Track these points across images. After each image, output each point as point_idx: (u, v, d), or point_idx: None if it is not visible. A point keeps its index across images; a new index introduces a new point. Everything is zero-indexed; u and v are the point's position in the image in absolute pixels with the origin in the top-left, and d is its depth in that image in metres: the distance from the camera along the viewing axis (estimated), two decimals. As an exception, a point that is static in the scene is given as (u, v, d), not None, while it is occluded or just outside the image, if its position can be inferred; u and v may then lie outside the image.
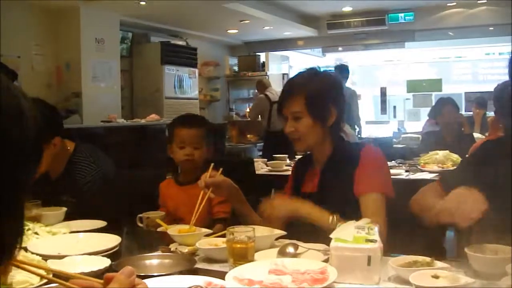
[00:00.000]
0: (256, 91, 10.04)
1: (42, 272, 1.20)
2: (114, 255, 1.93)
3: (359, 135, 8.50)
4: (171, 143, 2.99)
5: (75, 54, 7.88)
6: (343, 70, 8.92)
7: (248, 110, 11.71)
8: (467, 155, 4.21)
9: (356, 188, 2.26)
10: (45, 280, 1.47)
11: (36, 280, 1.53)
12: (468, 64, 14.06)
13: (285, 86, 2.51)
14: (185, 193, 2.82)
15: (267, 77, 11.98)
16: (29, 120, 0.88)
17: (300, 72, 2.56)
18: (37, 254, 1.80)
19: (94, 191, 2.94)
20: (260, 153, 8.85)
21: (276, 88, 9.35)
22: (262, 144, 8.95)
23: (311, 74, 2.46)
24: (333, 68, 12.07)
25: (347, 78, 8.89)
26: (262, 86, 9.52)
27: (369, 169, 2.30)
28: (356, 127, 8.60)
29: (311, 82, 2.41)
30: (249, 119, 10.16)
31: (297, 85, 2.43)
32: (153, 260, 1.88)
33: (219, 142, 8.75)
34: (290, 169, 4.77)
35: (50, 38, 7.88)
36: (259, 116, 9.27)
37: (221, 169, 2.50)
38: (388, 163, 5.05)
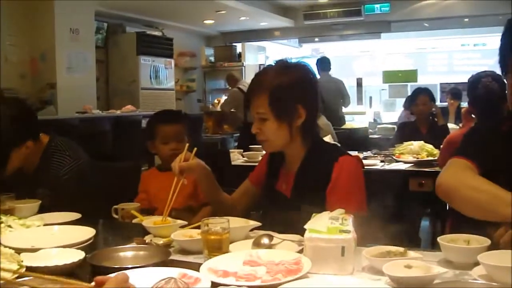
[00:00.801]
0: (228, 86, 10.08)
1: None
2: (88, 247, 1.92)
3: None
4: (153, 140, 3.04)
5: (49, 44, 7.76)
6: (324, 62, 8.93)
7: (216, 101, 11.70)
8: (441, 146, 4.27)
9: (328, 206, 2.09)
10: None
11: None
12: (444, 55, 14.16)
13: (251, 83, 2.36)
14: (167, 179, 2.79)
15: (243, 67, 11.99)
16: None
17: (268, 66, 2.41)
18: (10, 248, 1.78)
19: (70, 183, 2.91)
20: (236, 143, 8.84)
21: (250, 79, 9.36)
22: (238, 135, 8.93)
23: (277, 69, 2.29)
24: (309, 58, 12.11)
25: (329, 70, 8.91)
26: (233, 80, 9.59)
27: (341, 190, 2.18)
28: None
29: (274, 80, 2.24)
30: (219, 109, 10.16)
31: (261, 83, 2.28)
32: (127, 252, 1.87)
33: (195, 133, 8.73)
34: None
35: (24, 28, 7.76)
36: (234, 108, 9.32)
37: (195, 149, 2.44)
38: (364, 153, 5.17)
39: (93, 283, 1.07)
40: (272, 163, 2.51)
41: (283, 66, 2.31)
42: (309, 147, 2.34)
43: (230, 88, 9.86)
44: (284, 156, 2.42)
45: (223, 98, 11.64)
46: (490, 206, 1.75)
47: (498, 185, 1.78)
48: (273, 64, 2.36)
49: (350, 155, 2.33)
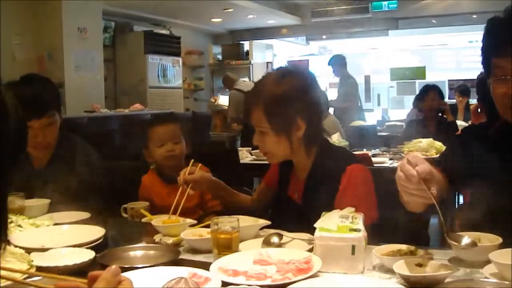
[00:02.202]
0: (225, 88, 9.97)
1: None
2: (98, 247, 1.92)
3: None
4: (147, 146, 2.99)
5: (57, 43, 7.78)
6: (339, 60, 8.85)
7: (212, 100, 11.68)
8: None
9: None
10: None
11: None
12: (452, 52, 14.12)
13: (250, 94, 2.31)
14: (174, 192, 2.77)
15: (251, 65, 11.99)
16: (9, 109, 0.86)
17: (268, 74, 2.34)
18: (20, 247, 1.78)
19: (81, 181, 2.91)
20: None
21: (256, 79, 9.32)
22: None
23: (274, 80, 2.22)
24: (317, 56, 12.09)
25: (345, 68, 8.86)
26: (229, 81, 9.45)
27: (350, 200, 2.08)
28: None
29: (270, 92, 2.18)
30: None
31: (257, 95, 2.22)
32: (137, 252, 1.87)
33: (202, 132, 8.74)
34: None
35: (31, 28, 7.78)
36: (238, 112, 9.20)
37: (199, 165, 2.49)
38: (373, 150, 5.15)
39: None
40: (282, 169, 2.48)
41: (280, 76, 2.24)
42: (316, 154, 2.30)
43: (227, 90, 9.72)
44: (293, 163, 2.40)
45: (220, 97, 11.64)
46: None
47: (482, 191, 1.76)
48: (273, 72, 2.32)
49: (358, 162, 2.28)
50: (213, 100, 11.58)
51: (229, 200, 2.58)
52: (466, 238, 1.60)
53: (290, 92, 2.18)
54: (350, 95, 8.63)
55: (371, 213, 2.07)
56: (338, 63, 8.77)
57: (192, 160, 2.51)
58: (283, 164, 2.44)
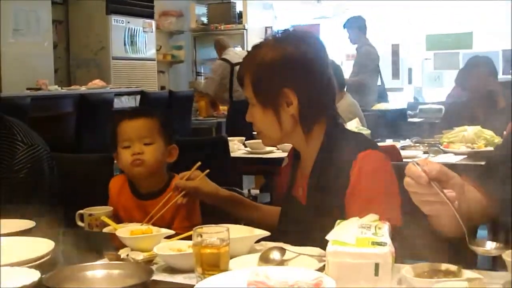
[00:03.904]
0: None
1: None
2: (45, 265, 1.91)
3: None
4: (115, 150, 2.85)
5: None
6: (357, 22, 8.82)
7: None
8: (504, 132, 4.25)
9: (348, 217, 2.01)
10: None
11: None
12: (508, 12, 14.07)
13: (243, 59, 2.46)
14: (144, 209, 2.73)
15: (245, 31, 11.96)
16: None
17: (265, 38, 2.45)
18: None
19: (22, 180, 2.90)
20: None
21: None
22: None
23: (270, 43, 2.35)
24: (330, 19, 12.05)
25: (364, 33, 8.85)
26: (220, 47, 9.47)
27: (363, 196, 2.16)
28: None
29: (260, 56, 2.31)
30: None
31: (248, 60, 2.37)
32: (96, 272, 1.87)
33: (183, 117, 8.73)
34: (276, 151, 4.82)
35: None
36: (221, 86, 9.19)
37: (206, 171, 2.54)
38: (402, 142, 5.16)
39: None
40: (293, 161, 2.52)
41: (278, 39, 2.35)
42: (323, 141, 2.34)
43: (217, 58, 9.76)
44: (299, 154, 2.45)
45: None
46: None
47: None
48: (273, 35, 2.40)
49: (376, 148, 2.32)
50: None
51: (249, 218, 2.59)
52: (491, 243, 1.64)
53: (282, 57, 2.27)
54: (364, 67, 8.61)
55: (393, 214, 2.07)
56: (355, 26, 8.77)
57: (199, 163, 2.50)
58: (294, 157, 2.50)
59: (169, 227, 2.57)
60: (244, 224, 2.41)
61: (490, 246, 1.70)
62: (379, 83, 9.08)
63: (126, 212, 2.81)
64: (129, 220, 2.71)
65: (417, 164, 1.69)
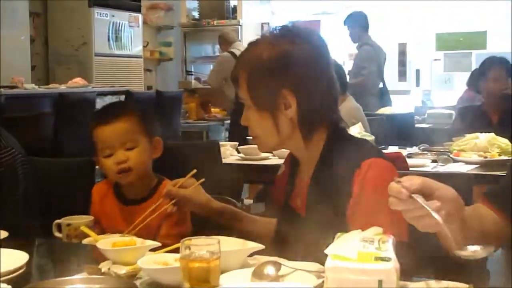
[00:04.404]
0: (219, 48, 10.03)
1: None
2: (18, 279, 1.91)
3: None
4: (97, 155, 2.81)
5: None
6: (358, 18, 8.85)
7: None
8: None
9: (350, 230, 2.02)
10: None
11: None
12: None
13: (238, 58, 2.48)
14: (130, 217, 2.72)
15: (239, 27, 11.96)
16: None
17: (262, 35, 2.45)
18: None
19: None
20: (228, 134, 8.83)
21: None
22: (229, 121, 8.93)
23: (268, 40, 2.34)
24: (331, 15, 12.07)
25: (366, 30, 8.88)
26: (225, 41, 9.52)
27: (367, 208, 2.14)
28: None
29: (256, 54, 2.32)
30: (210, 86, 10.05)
31: (243, 58, 2.38)
32: (75, 286, 1.87)
33: (171, 119, 8.74)
34: (272, 158, 4.82)
35: None
36: (224, 81, 9.22)
37: (202, 180, 2.55)
38: (408, 149, 5.17)
39: None
40: (292, 167, 2.53)
41: (276, 36, 2.35)
42: (324, 147, 2.34)
43: (222, 51, 9.80)
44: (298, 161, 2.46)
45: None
46: None
47: None
48: (271, 32, 2.41)
49: (382, 156, 2.32)
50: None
51: (244, 231, 2.56)
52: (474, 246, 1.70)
53: (280, 56, 2.26)
54: (362, 68, 8.61)
55: (399, 227, 2.04)
56: (356, 23, 8.80)
57: (194, 171, 2.50)
58: (292, 164, 2.51)
59: (155, 235, 2.59)
60: (237, 236, 2.39)
61: (474, 249, 1.73)
62: (381, 85, 9.05)
63: (110, 220, 2.81)
64: (113, 229, 2.69)
65: (399, 181, 1.74)
